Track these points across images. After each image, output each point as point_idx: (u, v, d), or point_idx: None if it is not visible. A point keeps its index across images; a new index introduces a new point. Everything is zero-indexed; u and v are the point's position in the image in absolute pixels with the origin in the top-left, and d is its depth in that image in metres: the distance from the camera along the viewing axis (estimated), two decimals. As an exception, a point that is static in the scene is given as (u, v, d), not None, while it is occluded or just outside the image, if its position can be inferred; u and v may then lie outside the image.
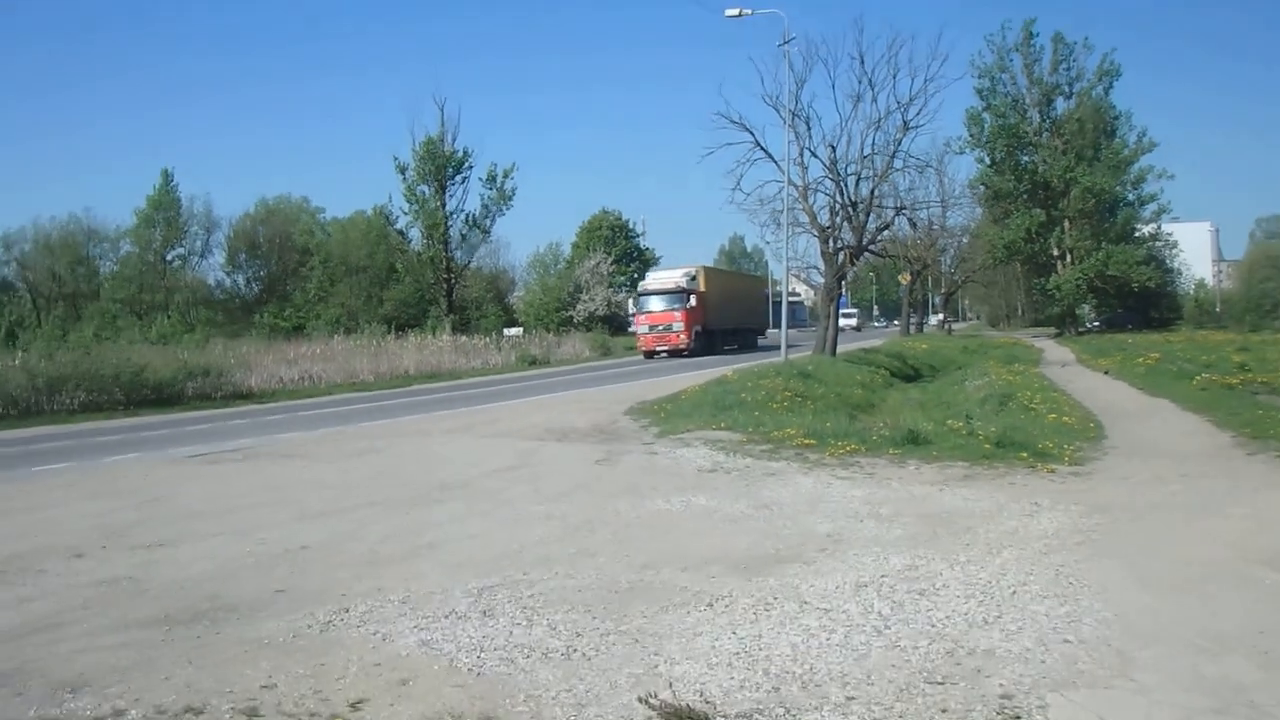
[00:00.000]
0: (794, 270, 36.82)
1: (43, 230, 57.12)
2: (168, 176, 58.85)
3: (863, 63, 24.66)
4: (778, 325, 33.61)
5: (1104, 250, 48.05)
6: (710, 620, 5.09)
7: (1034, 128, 49.72)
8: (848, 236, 25.95)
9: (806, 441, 11.00)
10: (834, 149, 25.07)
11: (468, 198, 46.50)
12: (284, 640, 4.95)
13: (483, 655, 4.64)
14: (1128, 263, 47.55)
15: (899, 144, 25.00)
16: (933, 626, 4.90)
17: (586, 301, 52.17)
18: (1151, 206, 50.32)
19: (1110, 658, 4.42)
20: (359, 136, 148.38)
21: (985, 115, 49.78)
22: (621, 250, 59.17)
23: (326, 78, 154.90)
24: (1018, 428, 11.60)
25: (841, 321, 33.34)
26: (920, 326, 60.69)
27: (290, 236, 60.86)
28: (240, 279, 62.54)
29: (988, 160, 50.45)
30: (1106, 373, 23.53)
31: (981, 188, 50.68)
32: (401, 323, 45.82)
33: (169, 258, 59.24)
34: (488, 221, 46.74)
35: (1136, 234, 50.78)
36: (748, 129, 24.57)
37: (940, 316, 67.16)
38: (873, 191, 25.58)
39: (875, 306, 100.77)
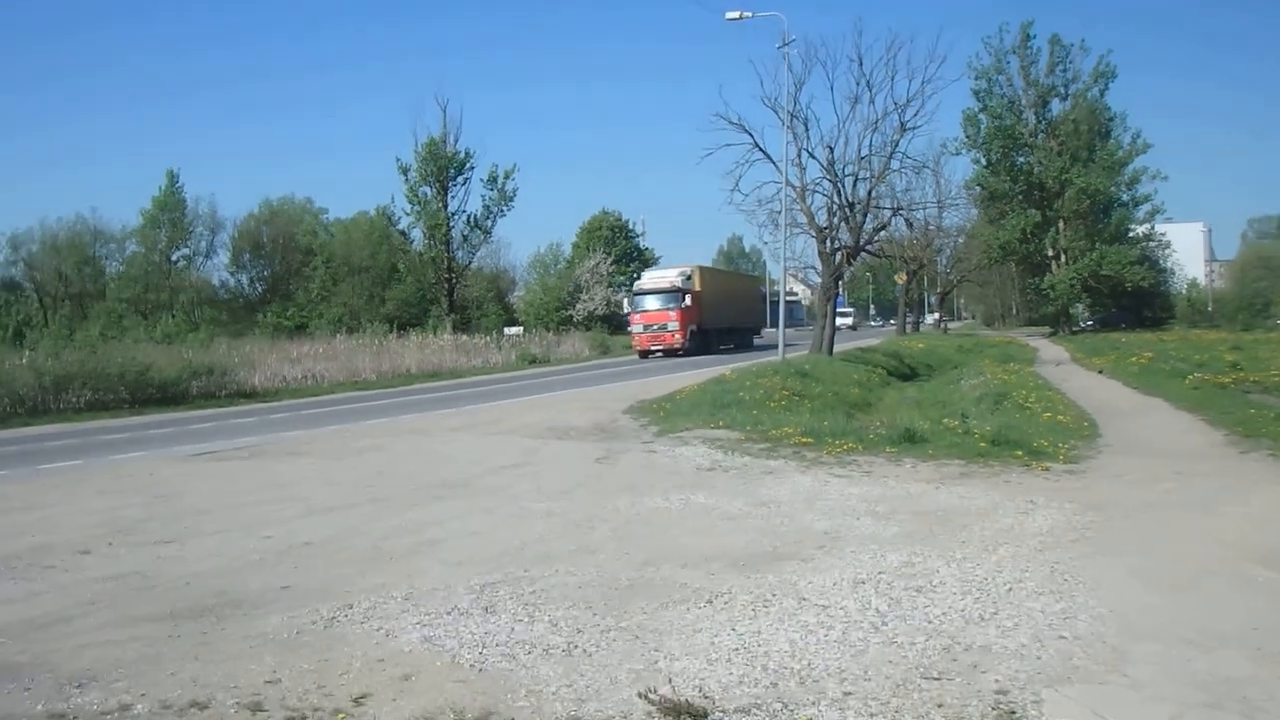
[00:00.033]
0: (792, 270, 36.75)
1: (50, 231, 57.15)
2: (173, 178, 58.88)
3: (861, 65, 24.71)
4: (774, 325, 33.61)
5: (1098, 250, 48.10)
6: (709, 617, 5.10)
7: (1030, 129, 49.74)
8: (845, 237, 25.96)
9: (804, 440, 11.01)
10: (832, 150, 25.11)
11: (469, 198, 46.67)
12: (288, 636, 4.95)
13: (485, 651, 4.64)
14: (1121, 263, 47.60)
15: (896, 145, 25.06)
16: (929, 623, 4.91)
17: (586, 301, 52.17)
18: (1145, 207, 50.46)
19: (1105, 653, 4.43)
20: (362, 137, 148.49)
21: (981, 117, 49.79)
22: (621, 250, 59.17)
23: (328, 79, 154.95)
24: (1013, 426, 11.61)
25: (838, 321, 33.28)
26: (916, 326, 60.73)
27: (294, 237, 60.82)
28: (244, 279, 62.57)
29: (984, 161, 50.47)
30: (1101, 372, 23.55)
31: (977, 188, 50.68)
32: (403, 322, 45.79)
33: (174, 258, 59.22)
34: (489, 222, 46.77)
35: (1130, 234, 50.83)
36: (747, 130, 24.61)
37: (936, 316, 67.19)
38: (870, 192, 25.60)
39: (872, 306, 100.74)
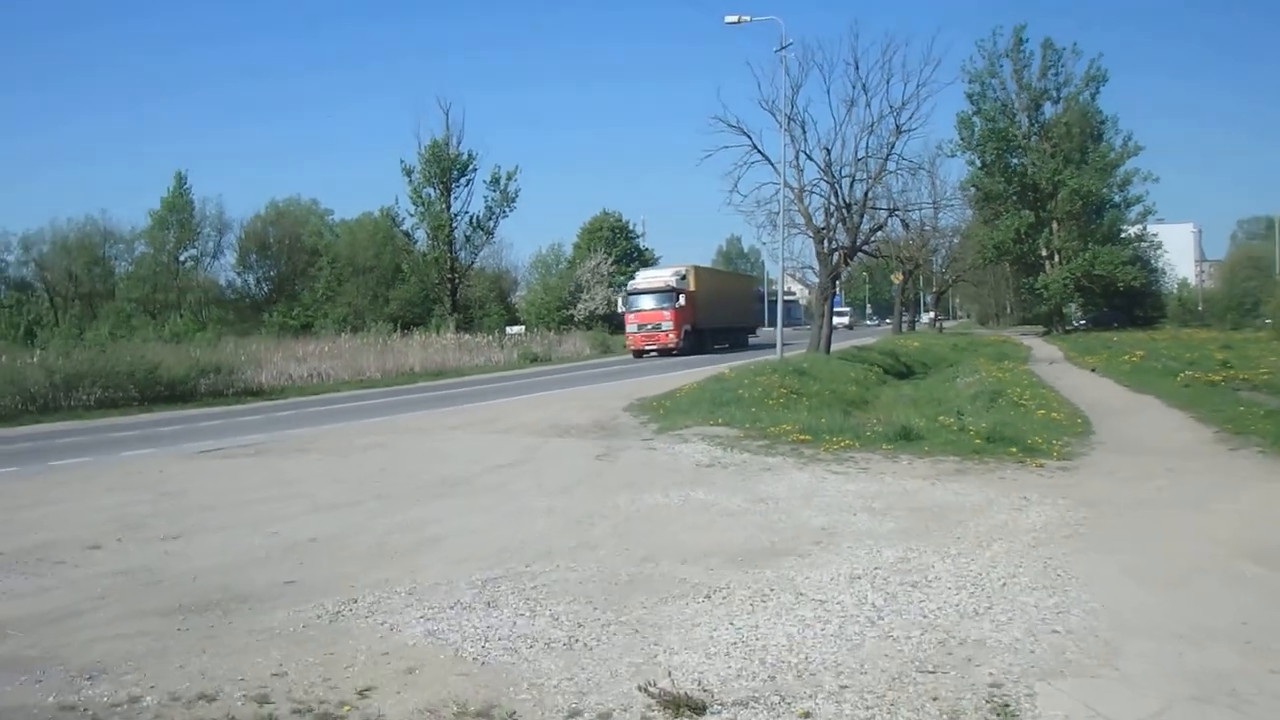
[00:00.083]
0: (790, 270, 36.64)
1: (60, 232, 57.11)
2: (181, 179, 58.80)
3: (857, 68, 24.64)
4: (771, 324, 33.57)
5: (1091, 251, 48.10)
6: (708, 611, 5.10)
7: (1023, 131, 49.71)
8: (842, 237, 25.92)
9: (802, 437, 11.01)
10: (829, 152, 25.06)
11: (472, 200, 46.45)
12: (294, 630, 4.96)
13: (487, 645, 4.65)
14: (1113, 263, 47.59)
15: (892, 147, 24.98)
16: (924, 617, 4.91)
17: (587, 301, 52.09)
18: (1137, 208, 50.38)
19: (1097, 647, 4.43)
20: (364, 137, 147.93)
21: (976, 119, 49.75)
22: (622, 251, 59.02)
23: (328, 79, 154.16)
24: (1007, 424, 11.60)
25: (834, 320, 33.22)
26: (912, 325, 60.65)
27: (299, 237, 60.76)
28: (251, 279, 62.48)
29: (978, 163, 50.43)
30: (1093, 370, 23.54)
31: (972, 189, 50.63)
32: (407, 321, 45.71)
33: (182, 258, 59.16)
34: (491, 223, 46.64)
35: (1122, 235, 50.81)
36: (745, 132, 24.55)
37: (932, 315, 67.16)
38: (866, 193, 25.57)
39: (868, 305, 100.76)
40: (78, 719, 3.88)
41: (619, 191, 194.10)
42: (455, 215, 45.37)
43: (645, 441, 11.54)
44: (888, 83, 24.63)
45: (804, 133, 25.09)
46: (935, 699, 3.87)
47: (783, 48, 24.23)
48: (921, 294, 69.70)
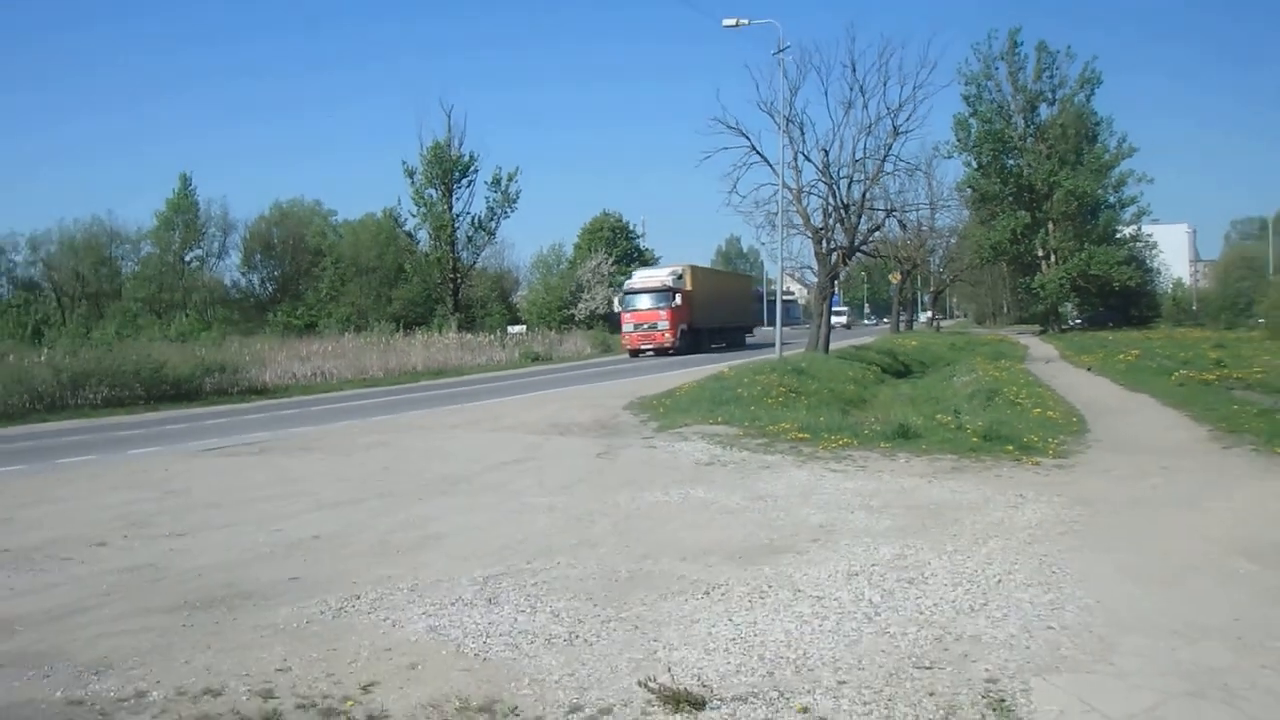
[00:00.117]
0: (788, 270, 36.60)
1: (67, 232, 57.25)
2: (186, 180, 58.91)
3: (854, 70, 24.65)
4: (769, 324, 33.50)
5: (1086, 251, 48.10)
6: (707, 608, 5.10)
7: (1019, 133, 49.69)
8: (840, 237, 25.93)
9: (800, 435, 11.00)
10: (827, 153, 25.07)
11: (473, 200, 46.39)
12: (298, 626, 4.96)
13: (488, 641, 4.65)
14: (1109, 263, 47.60)
15: (889, 148, 25.00)
16: (921, 614, 4.91)
17: (588, 300, 52.10)
18: (1131, 209, 50.34)
19: (1092, 643, 4.43)
20: (364, 136, 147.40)
21: (972, 121, 49.74)
22: (622, 251, 59.01)
23: (328, 78, 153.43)
24: (1004, 422, 11.60)
25: (833, 319, 33.13)
26: (910, 324, 60.60)
27: (303, 238, 60.81)
28: (255, 279, 62.61)
29: (974, 164, 50.39)
30: (1089, 369, 23.53)
31: (969, 190, 50.60)
32: (409, 321, 45.75)
33: (187, 259, 59.27)
34: (493, 223, 46.62)
35: (1117, 235, 50.80)
36: (744, 134, 24.57)
37: (929, 314, 67.15)
38: (864, 194, 25.59)
39: (866, 305, 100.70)
40: (85, 714, 3.89)
41: (619, 192, 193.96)
42: (457, 216, 45.38)
43: (645, 440, 11.53)
44: (885, 85, 24.70)
45: (802, 134, 25.14)
46: (932, 694, 3.88)
47: (781, 50, 24.27)
48: (919, 293, 69.65)
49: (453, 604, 5.25)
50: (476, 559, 6.24)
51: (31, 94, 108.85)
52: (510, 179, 46.00)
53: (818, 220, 25.85)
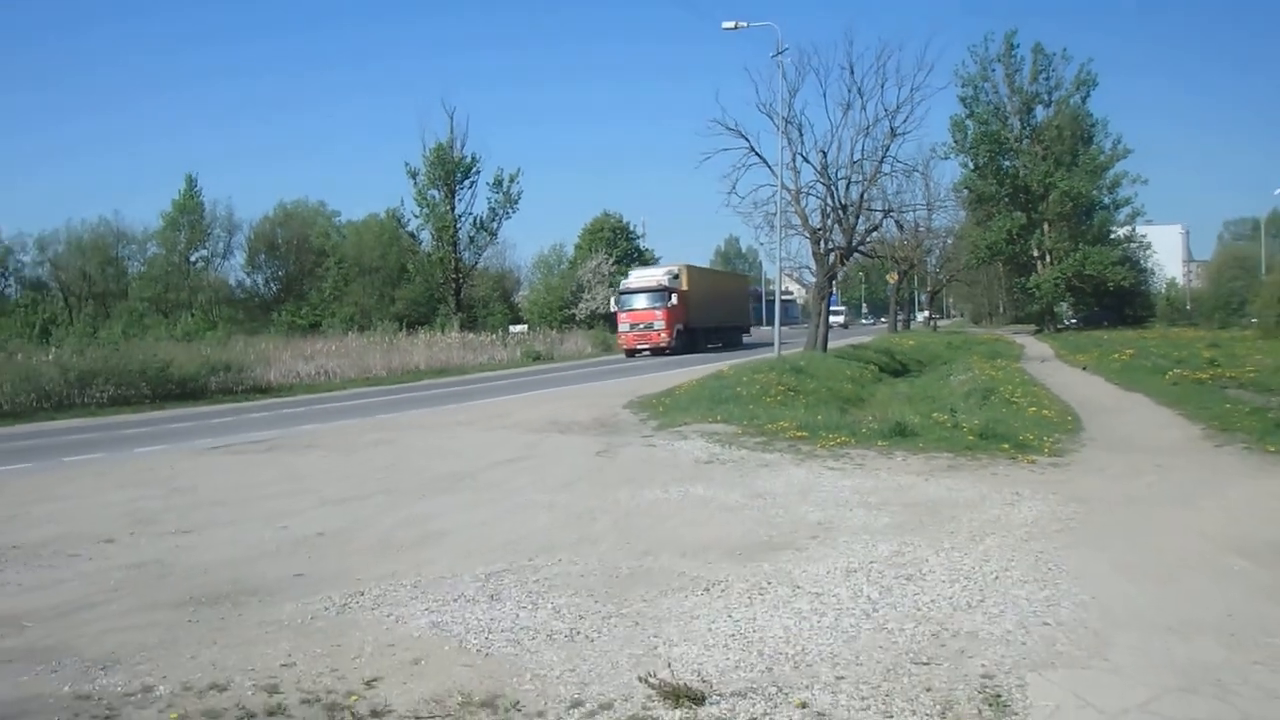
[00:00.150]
0: (787, 270, 36.49)
1: (74, 233, 57.26)
2: (191, 182, 58.89)
3: (852, 73, 24.62)
4: (767, 323, 33.40)
5: (1081, 251, 48.12)
6: (707, 604, 5.11)
7: (1015, 134, 49.70)
8: (838, 238, 25.91)
9: (799, 434, 11.00)
10: (825, 154, 25.04)
11: (475, 201, 46.42)
12: (302, 622, 4.97)
13: (490, 637, 4.65)
14: (1104, 263, 47.62)
15: (887, 150, 24.97)
16: (918, 610, 4.92)
17: (588, 300, 52.07)
18: (1126, 210, 50.41)
19: (1087, 639, 4.43)
20: (365, 136, 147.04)
21: (969, 122, 49.72)
22: (623, 251, 58.96)
23: (328, 78, 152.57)
24: (1000, 420, 11.60)
25: (830, 319, 33.01)
26: (907, 324, 60.59)
27: (307, 238, 60.81)
28: (260, 279, 62.58)
29: (971, 165, 50.38)
30: (1084, 368, 23.52)
31: (965, 191, 50.60)
32: (412, 320, 45.74)
33: (193, 259, 59.25)
34: (494, 224, 46.67)
35: (1112, 236, 50.83)
36: (743, 135, 24.53)
37: (926, 314, 67.11)
38: (862, 195, 25.55)
39: (864, 304, 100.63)
40: (93, 708, 3.89)
41: (619, 192, 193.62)
42: (459, 216, 45.42)
43: (645, 438, 11.53)
44: (882, 87, 24.66)
45: (801, 135, 25.12)
46: (929, 690, 3.88)
47: (779, 53, 24.24)
48: (916, 293, 69.66)
49: (455, 600, 5.25)
50: (479, 556, 6.24)
51: (35, 94, 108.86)
52: (512, 180, 46.07)
53: (816, 221, 25.85)
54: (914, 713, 3.68)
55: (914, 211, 37.85)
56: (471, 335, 38.35)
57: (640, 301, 34.57)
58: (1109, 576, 5.47)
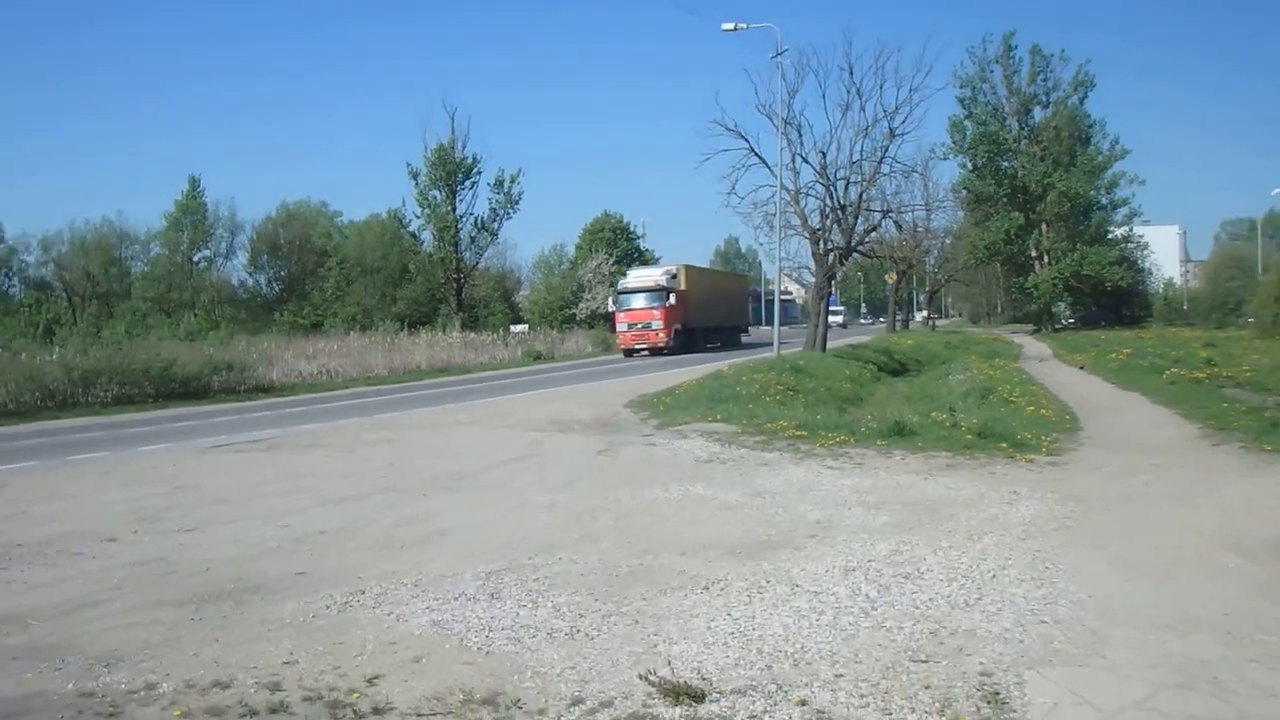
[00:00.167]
0: (786, 270, 36.40)
1: (78, 233, 57.32)
2: (194, 183, 58.90)
3: (851, 74, 24.64)
4: (766, 323, 33.32)
5: (1079, 251, 48.09)
6: (706, 602, 5.11)
7: (1013, 135, 49.66)
8: (837, 238, 25.91)
9: (798, 433, 11.00)
10: (824, 155, 25.05)
11: (476, 202, 46.42)
12: (304, 620, 4.97)
13: (491, 635, 4.65)
14: (1101, 263, 47.60)
15: (886, 150, 24.99)
16: (917, 608, 4.92)
17: (589, 300, 52.08)
18: (1123, 210, 50.36)
19: (1084, 637, 4.43)
20: (365, 136, 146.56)
21: (967, 123, 49.68)
22: (623, 251, 58.96)
23: (327, 78, 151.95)
24: (998, 420, 11.60)
25: (829, 319, 32.91)
26: (906, 323, 60.58)
27: (309, 239, 60.83)
28: (262, 279, 62.61)
29: (969, 166, 50.35)
30: (1082, 368, 23.52)
31: (963, 192, 50.56)
32: (413, 320, 45.77)
33: (195, 259, 59.29)
34: (495, 224, 46.68)
35: (1109, 236, 50.81)
36: (743, 136, 24.54)
37: (925, 314, 67.10)
38: (861, 195, 25.56)
39: (863, 304, 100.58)
40: (96, 705, 3.89)
41: (619, 192, 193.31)
42: (460, 217, 45.43)
43: (645, 437, 11.53)
44: (881, 88, 24.68)
45: (800, 136, 25.13)
46: (928, 687, 3.88)
47: (779, 54, 24.25)
48: (915, 293, 69.63)
49: (456, 599, 5.25)
50: (479, 554, 6.24)
51: (39, 95, 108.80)
52: (513, 180, 46.08)
53: (815, 221, 25.86)
54: (913, 710, 3.68)
55: (913, 212, 37.83)
56: (473, 335, 38.36)
57: (638, 301, 34.42)
58: (1106, 575, 5.48)
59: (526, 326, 46.65)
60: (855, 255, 29.34)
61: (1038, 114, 50.01)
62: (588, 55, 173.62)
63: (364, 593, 5.41)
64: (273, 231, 61.47)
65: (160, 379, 20.47)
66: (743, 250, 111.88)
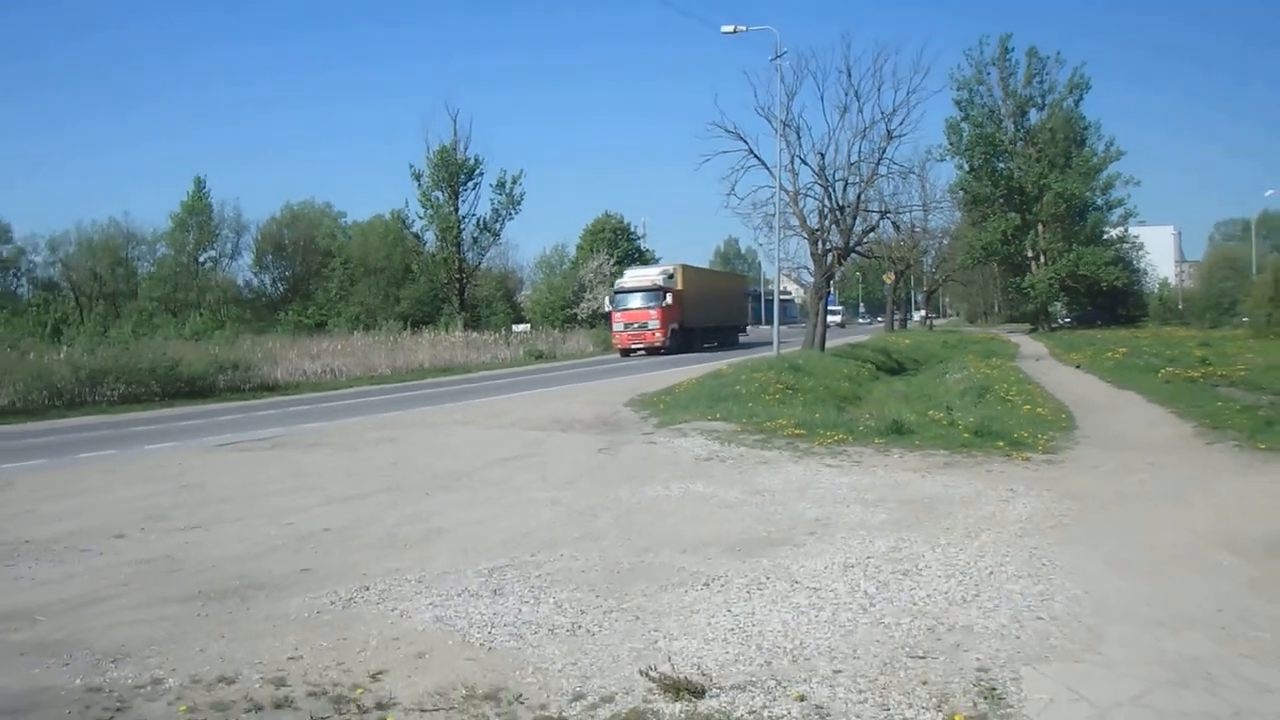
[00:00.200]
0: (785, 270, 36.43)
1: (85, 234, 57.30)
2: (200, 184, 58.87)
3: (849, 76, 24.63)
4: (764, 322, 33.24)
5: (1075, 252, 48.12)
6: (706, 599, 5.11)
7: (1009, 137, 49.66)
8: (835, 238, 25.91)
9: (797, 431, 11.00)
10: (823, 156, 25.04)
11: (479, 202, 46.37)
12: (309, 616, 4.97)
13: (493, 631, 4.66)
14: (1097, 263, 47.62)
15: (883, 152, 24.98)
16: (915, 604, 4.92)
17: (590, 300, 52.07)
18: (1119, 211, 50.42)
19: (1080, 633, 4.43)
20: (366, 136, 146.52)
21: (964, 125, 49.69)
22: (624, 252, 58.91)
23: (327, 78, 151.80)
24: (995, 418, 11.60)
25: (828, 318, 32.82)
26: (904, 323, 60.54)
27: (313, 239, 60.81)
28: (267, 279, 62.60)
29: (966, 167, 50.35)
30: (1078, 367, 23.51)
31: (960, 193, 50.52)
32: (416, 320, 45.76)
33: (201, 259, 59.23)
34: (497, 225, 46.60)
35: (1105, 236, 50.82)
36: (742, 138, 24.52)
37: (922, 313, 67.07)
38: (859, 196, 25.55)
39: (861, 304, 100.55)
40: (104, 700, 3.89)
41: (619, 192, 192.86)
42: (463, 218, 45.38)
43: (646, 436, 11.53)
44: (879, 90, 24.67)
45: (799, 138, 25.12)
46: (925, 683, 3.88)
47: (778, 56, 24.23)
48: (912, 293, 69.59)
49: (459, 595, 5.25)
50: (482, 552, 6.24)
51: (47, 96, 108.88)
52: (514, 181, 46.03)
53: (814, 222, 25.86)
54: (910, 705, 3.68)
55: (910, 212, 37.90)
56: (475, 334, 38.36)
57: (635, 301, 34.10)
58: (1102, 572, 5.48)
59: (528, 326, 46.65)
60: (853, 255, 29.35)
61: (1034, 116, 50.08)
62: (588, 55, 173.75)
63: (368, 589, 5.41)
64: (277, 232, 61.47)
65: (166, 378, 20.49)
66: (742, 251, 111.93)
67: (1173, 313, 56.00)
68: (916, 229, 44.28)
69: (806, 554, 5.97)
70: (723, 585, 5.33)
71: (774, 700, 3.75)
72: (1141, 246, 58.01)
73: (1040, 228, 49.91)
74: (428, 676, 4.08)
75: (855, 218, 25.69)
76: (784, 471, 8.95)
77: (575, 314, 50.76)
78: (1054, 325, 52.65)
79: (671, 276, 35.72)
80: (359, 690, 3.94)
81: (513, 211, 46.45)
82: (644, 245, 61.99)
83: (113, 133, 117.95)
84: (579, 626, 4.69)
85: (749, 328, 50.30)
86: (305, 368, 26.54)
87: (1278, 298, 33.34)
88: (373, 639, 4.57)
